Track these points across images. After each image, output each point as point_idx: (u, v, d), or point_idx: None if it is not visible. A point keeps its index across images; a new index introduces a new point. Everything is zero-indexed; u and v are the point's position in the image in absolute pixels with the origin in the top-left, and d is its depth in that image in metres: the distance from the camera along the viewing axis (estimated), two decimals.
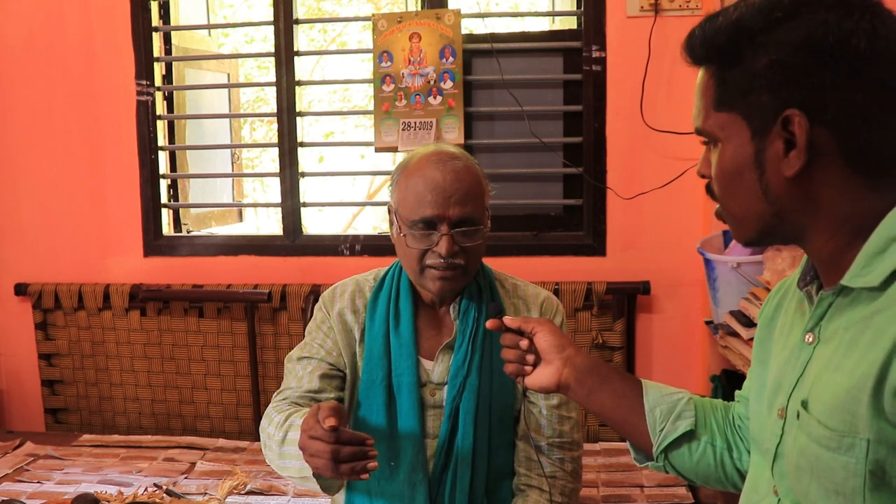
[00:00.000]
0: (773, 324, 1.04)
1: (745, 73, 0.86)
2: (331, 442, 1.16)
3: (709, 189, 0.95)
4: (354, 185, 6.51)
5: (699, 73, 0.93)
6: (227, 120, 3.30)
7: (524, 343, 1.18)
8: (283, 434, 1.33)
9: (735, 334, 2.08)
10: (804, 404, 0.87)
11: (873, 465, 0.79)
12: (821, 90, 0.83)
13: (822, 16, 0.82)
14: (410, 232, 1.42)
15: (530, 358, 1.18)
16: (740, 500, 1.05)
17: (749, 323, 2.01)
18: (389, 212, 1.50)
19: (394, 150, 2.69)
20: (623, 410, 1.14)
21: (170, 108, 2.94)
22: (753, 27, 0.86)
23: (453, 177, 1.40)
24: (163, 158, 2.89)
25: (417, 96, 2.64)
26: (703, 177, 0.96)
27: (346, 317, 1.53)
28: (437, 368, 1.49)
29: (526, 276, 1.67)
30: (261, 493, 2.16)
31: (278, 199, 2.85)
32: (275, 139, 2.85)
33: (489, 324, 1.23)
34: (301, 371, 1.49)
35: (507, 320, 1.22)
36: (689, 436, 1.12)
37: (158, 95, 2.86)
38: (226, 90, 3.34)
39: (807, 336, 0.91)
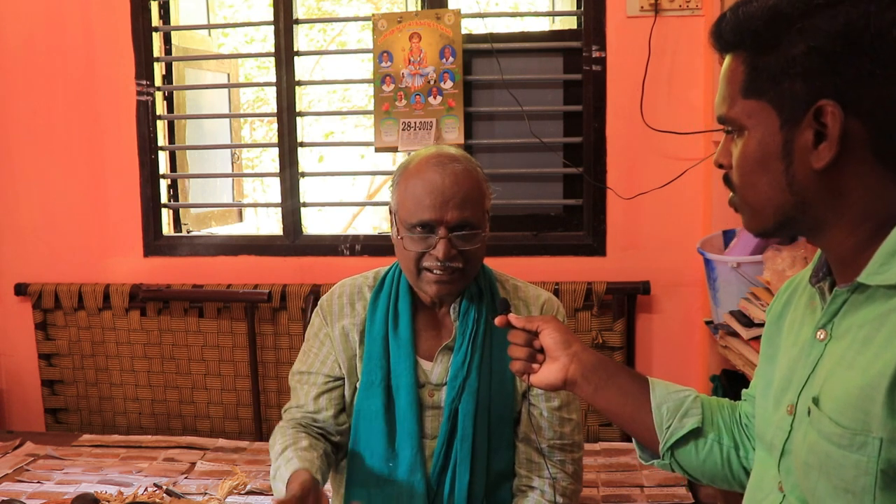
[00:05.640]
0: (782, 321, 1.02)
1: (779, 59, 0.84)
2: None
3: (727, 179, 0.94)
4: (354, 185, 6.50)
5: (726, 60, 0.91)
6: (227, 120, 3.30)
7: (538, 342, 1.18)
8: (274, 471, 1.40)
9: (735, 334, 2.08)
10: (815, 401, 0.86)
11: (885, 465, 0.78)
12: (857, 81, 0.81)
13: (865, 5, 0.81)
14: (409, 234, 1.42)
15: (540, 357, 1.18)
16: (744, 496, 1.05)
17: (749, 323, 2.01)
18: (390, 212, 1.50)
19: (394, 150, 2.69)
20: (629, 407, 1.13)
21: (170, 108, 2.94)
22: (792, 13, 0.83)
23: (452, 180, 1.39)
24: (163, 158, 2.89)
25: (417, 96, 2.64)
26: (720, 166, 0.94)
27: (343, 323, 1.54)
28: (435, 369, 1.49)
29: (526, 276, 1.67)
30: (261, 493, 2.16)
31: (278, 199, 2.85)
32: (275, 139, 2.85)
33: (498, 321, 1.22)
34: (300, 390, 1.55)
35: (513, 318, 1.21)
36: (695, 433, 1.12)
37: (158, 95, 2.86)
38: (226, 90, 3.34)
39: (818, 332, 0.90)
